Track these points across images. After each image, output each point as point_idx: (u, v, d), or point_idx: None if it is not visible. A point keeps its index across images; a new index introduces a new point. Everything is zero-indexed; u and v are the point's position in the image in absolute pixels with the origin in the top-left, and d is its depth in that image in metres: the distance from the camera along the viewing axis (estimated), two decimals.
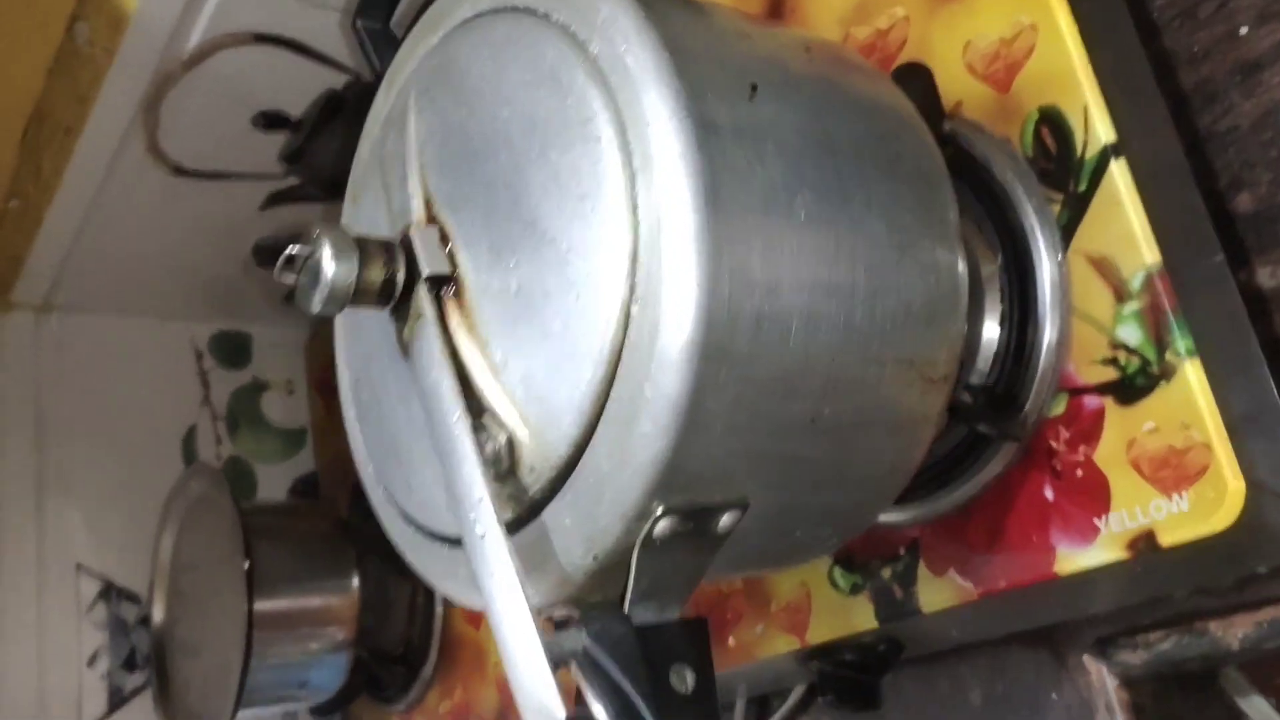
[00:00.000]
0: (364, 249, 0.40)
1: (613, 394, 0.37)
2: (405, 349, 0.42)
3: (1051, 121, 0.50)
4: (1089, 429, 0.48)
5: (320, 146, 0.91)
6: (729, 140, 0.37)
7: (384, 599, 0.90)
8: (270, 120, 0.87)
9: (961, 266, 0.44)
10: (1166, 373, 0.46)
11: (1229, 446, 0.44)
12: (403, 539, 0.47)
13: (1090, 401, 0.48)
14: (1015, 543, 0.51)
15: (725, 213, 0.36)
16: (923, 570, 0.55)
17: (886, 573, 0.56)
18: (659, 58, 0.37)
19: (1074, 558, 0.49)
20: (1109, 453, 0.48)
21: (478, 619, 0.88)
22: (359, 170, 0.52)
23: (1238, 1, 0.52)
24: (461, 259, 0.42)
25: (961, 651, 0.58)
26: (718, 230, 0.36)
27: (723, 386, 0.37)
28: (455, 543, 0.44)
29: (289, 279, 0.41)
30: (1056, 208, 0.50)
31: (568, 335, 0.38)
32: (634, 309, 0.36)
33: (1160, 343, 0.46)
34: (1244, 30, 0.52)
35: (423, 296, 0.41)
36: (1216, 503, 0.44)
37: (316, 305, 0.40)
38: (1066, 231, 0.49)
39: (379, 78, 0.53)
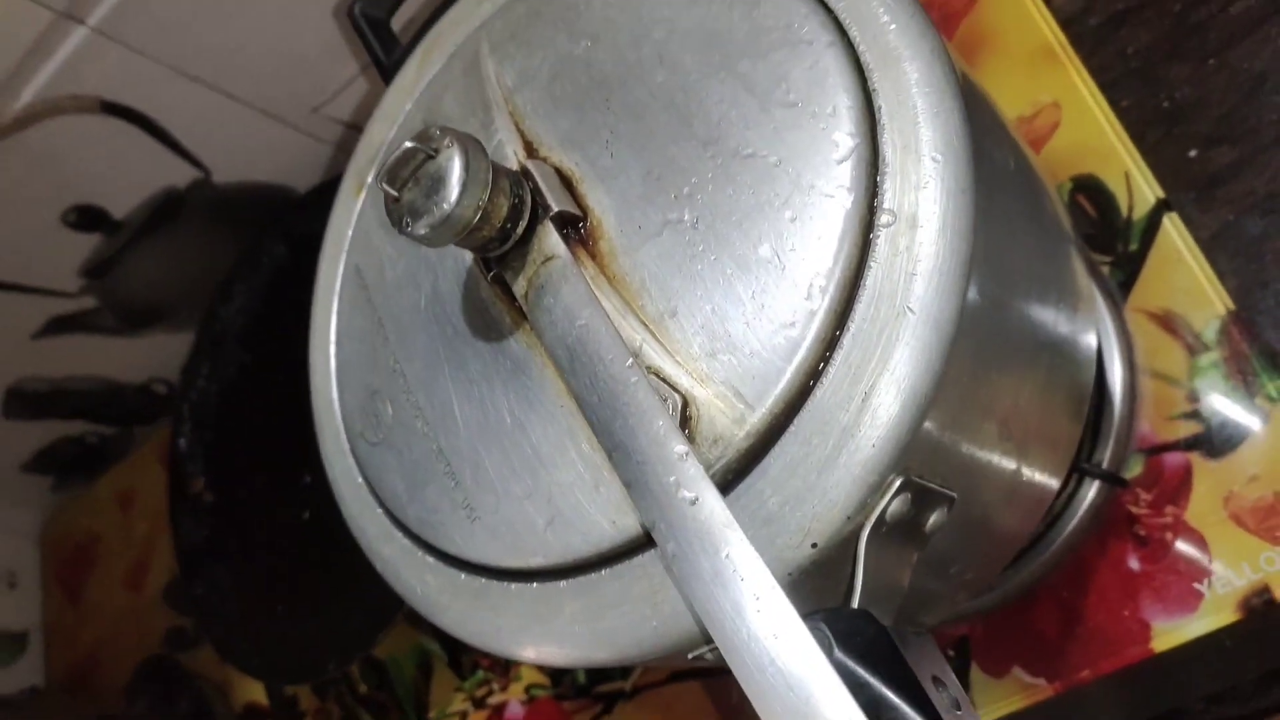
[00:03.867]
0: (495, 170, 0.32)
1: (851, 327, 0.30)
2: (525, 304, 0.33)
3: (1088, 189, 0.50)
4: (1176, 488, 0.45)
5: (136, 261, 0.77)
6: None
7: None
8: (86, 217, 0.73)
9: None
10: (1262, 418, 0.44)
11: None
12: (444, 592, 0.35)
13: (1173, 459, 0.46)
14: (1099, 624, 0.46)
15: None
16: (975, 675, 0.48)
17: None
18: None
19: (1174, 630, 0.44)
20: (1203, 510, 0.44)
21: None
22: (366, 157, 0.42)
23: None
24: (596, 198, 0.34)
25: None
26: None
27: (975, 328, 0.30)
28: (549, 575, 0.33)
29: (389, 187, 0.31)
30: (1106, 270, 0.49)
31: (775, 264, 0.31)
32: (882, 218, 0.30)
33: (1248, 388, 0.45)
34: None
35: (552, 236, 0.33)
36: None
37: (424, 228, 0.31)
38: (1121, 291, 0.48)
39: (381, 67, 0.45)
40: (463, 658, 0.65)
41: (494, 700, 0.63)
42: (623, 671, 0.59)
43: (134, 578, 0.85)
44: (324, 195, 0.74)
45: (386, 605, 0.60)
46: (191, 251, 0.79)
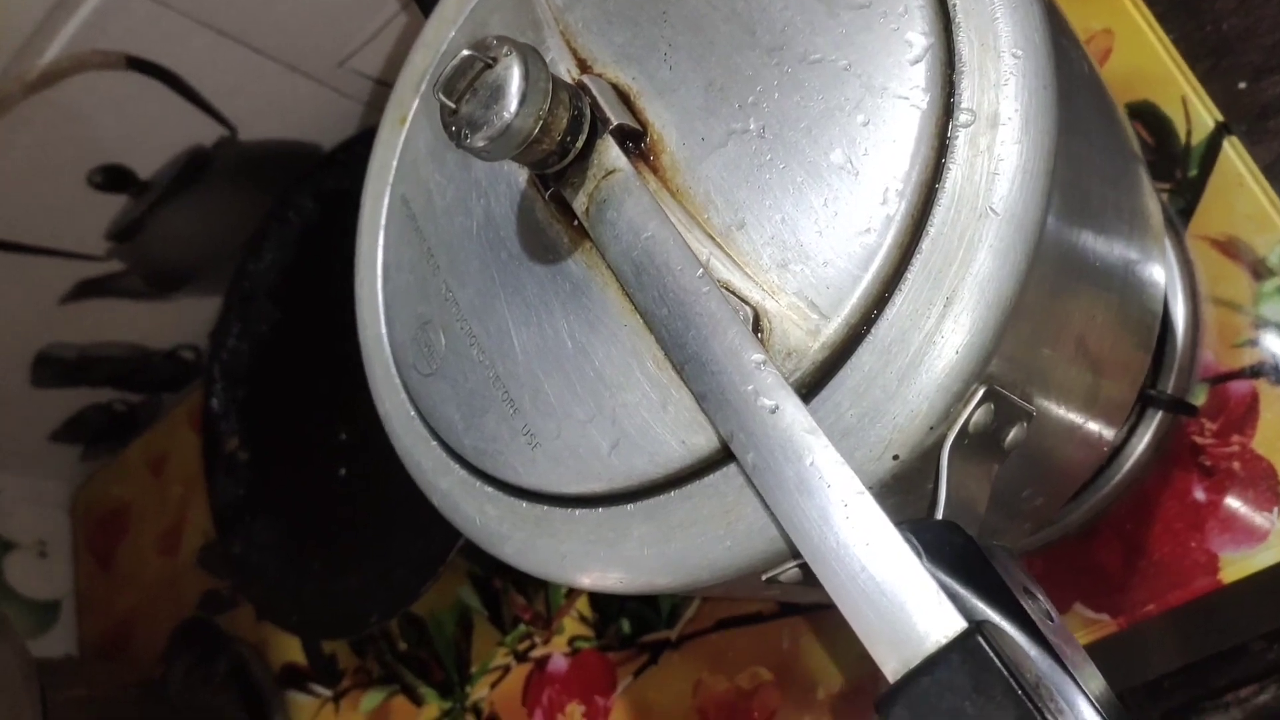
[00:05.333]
0: (554, 82, 0.31)
1: (930, 231, 0.28)
2: (586, 220, 0.32)
3: (1144, 115, 0.49)
4: (1242, 416, 0.44)
5: (164, 222, 0.76)
6: None
7: None
8: (112, 178, 0.72)
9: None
10: None
11: None
12: (504, 522, 0.34)
13: (1238, 387, 0.44)
14: (1165, 557, 0.45)
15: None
16: None
17: None
18: None
19: (1243, 561, 0.43)
20: (1271, 437, 0.43)
21: None
22: (409, 86, 0.41)
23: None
24: (655, 112, 0.33)
25: None
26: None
27: (1056, 235, 0.29)
28: (615, 499, 0.32)
29: (446, 98, 0.30)
30: (1165, 197, 0.47)
31: (848, 169, 0.29)
32: (960, 118, 0.29)
33: None
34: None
35: (613, 149, 0.32)
36: None
37: (482, 140, 0.30)
38: (1182, 219, 0.47)
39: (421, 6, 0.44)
40: (504, 612, 0.64)
41: (536, 654, 0.63)
42: (668, 620, 0.58)
43: (167, 543, 0.85)
44: (352, 151, 0.73)
45: (427, 559, 0.59)
46: (218, 211, 0.78)
